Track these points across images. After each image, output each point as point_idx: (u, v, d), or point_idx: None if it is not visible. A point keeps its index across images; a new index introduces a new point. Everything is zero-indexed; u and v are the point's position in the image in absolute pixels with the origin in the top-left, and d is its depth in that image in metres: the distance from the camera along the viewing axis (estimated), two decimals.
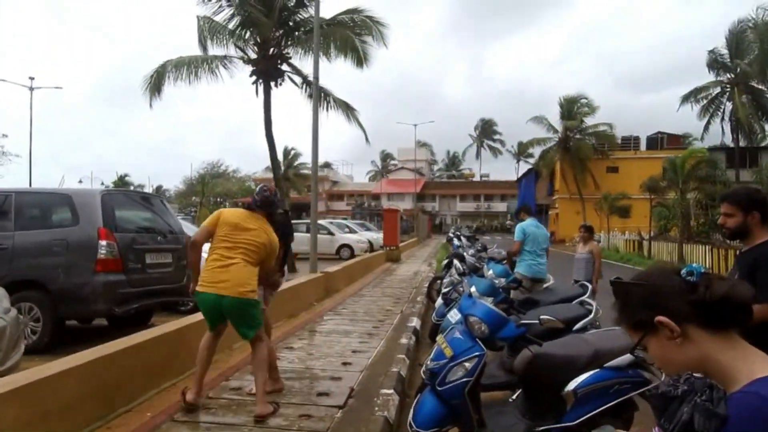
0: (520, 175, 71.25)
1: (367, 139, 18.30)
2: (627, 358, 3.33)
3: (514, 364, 3.54)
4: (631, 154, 38.43)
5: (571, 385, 3.26)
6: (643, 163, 37.33)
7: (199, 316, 4.95)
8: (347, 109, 17.06)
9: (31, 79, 31.36)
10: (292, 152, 55.97)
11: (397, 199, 61.83)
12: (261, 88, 15.41)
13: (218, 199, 67.65)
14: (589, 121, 37.53)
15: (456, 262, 6.56)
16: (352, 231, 23.31)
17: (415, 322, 7.14)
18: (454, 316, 4.72)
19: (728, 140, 35.87)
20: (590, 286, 5.87)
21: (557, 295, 5.68)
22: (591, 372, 3.30)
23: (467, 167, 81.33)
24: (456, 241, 12.29)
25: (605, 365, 3.33)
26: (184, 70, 14.87)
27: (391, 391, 4.14)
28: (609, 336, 3.63)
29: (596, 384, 3.27)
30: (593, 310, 4.58)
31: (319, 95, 11.17)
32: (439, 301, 7.64)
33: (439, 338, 3.47)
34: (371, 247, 22.03)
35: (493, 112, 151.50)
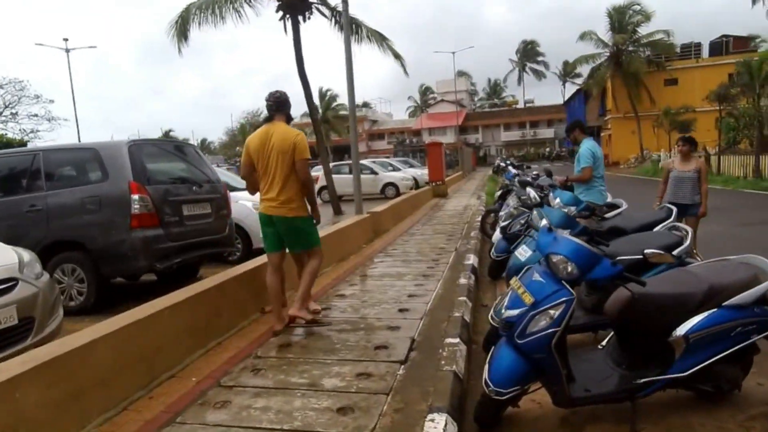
0: (566, 97, 67.58)
1: (405, 69, 17.32)
2: (754, 293, 2.70)
3: (605, 306, 2.98)
4: (692, 63, 35.24)
5: (682, 329, 2.68)
6: (705, 72, 34.24)
7: (239, 269, 4.60)
8: (381, 40, 16.03)
9: (65, 40, 31.43)
10: (328, 94, 54.93)
11: (438, 134, 60.18)
12: (289, 24, 14.57)
13: None
14: (642, 30, 34.39)
15: (530, 190, 5.82)
16: (395, 169, 22.68)
17: (472, 260, 6.62)
18: (523, 253, 4.16)
19: None
20: (674, 209, 5.12)
21: (636, 221, 4.97)
22: (706, 312, 2.69)
23: (510, 94, 77.81)
24: (512, 170, 11.45)
25: (724, 304, 2.71)
26: (208, 12, 14.16)
27: (457, 340, 3.68)
28: (723, 269, 2.97)
29: (714, 327, 2.67)
30: (687, 236, 3.90)
31: (350, 24, 10.28)
32: (497, 235, 7.05)
33: (514, 282, 2.92)
34: (416, 184, 21.42)
35: (535, 33, 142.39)
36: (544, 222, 3.87)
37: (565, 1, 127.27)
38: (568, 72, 71.07)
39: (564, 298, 2.63)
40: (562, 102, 65.84)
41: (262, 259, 4.92)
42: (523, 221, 6.13)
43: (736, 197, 13.51)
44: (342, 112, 53.23)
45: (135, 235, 5.13)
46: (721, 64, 34.12)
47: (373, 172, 20.19)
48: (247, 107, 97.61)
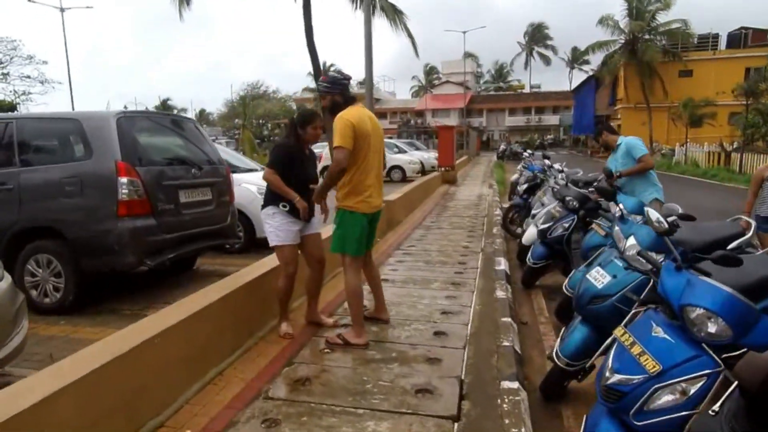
0: (572, 84, 66.32)
1: (416, 49, 16.38)
2: None
3: (736, 371, 2.26)
4: (708, 55, 34.16)
5: None
6: (722, 64, 33.24)
7: (247, 274, 3.85)
8: (395, 14, 15.06)
9: None
10: (332, 69, 53.48)
11: (442, 115, 59.04)
12: None
13: (260, 121, 66.73)
14: (660, 18, 33.20)
15: (617, 207, 4.17)
16: (401, 151, 21.80)
17: (503, 265, 5.90)
18: (600, 278, 3.36)
19: None
20: (753, 222, 4.36)
21: (705, 235, 4.20)
22: None
23: (516, 78, 76.30)
24: (536, 164, 10.52)
25: None
26: None
27: (516, 384, 2.97)
28: None
29: None
30: (751, 227, 3.28)
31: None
32: (528, 235, 6.33)
33: (624, 334, 2.19)
34: (423, 167, 20.59)
35: (544, 16, 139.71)
36: (630, 242, 3.12)
37: None
38: (576, 58, 69.69)
39: (707, 370, 1.90)
40: (568, 88, 64.63)
41: (271, 261, 4.18)
42: (567, 225, 5.41)
43: None
44: None
45: (122, 225, 4.34)
46: (739, 57, 33.15)
47: None
48: (247, 79, 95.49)
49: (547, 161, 8.26)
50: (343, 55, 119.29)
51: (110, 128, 4.45)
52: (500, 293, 4.78)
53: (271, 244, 3.77)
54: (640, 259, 2.88)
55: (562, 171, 8.14)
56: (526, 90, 70.55)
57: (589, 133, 45.68)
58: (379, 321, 4.00)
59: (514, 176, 14.82)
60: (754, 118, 19.97)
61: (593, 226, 4.54)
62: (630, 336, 2.14)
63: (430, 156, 22.63)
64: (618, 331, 2.24)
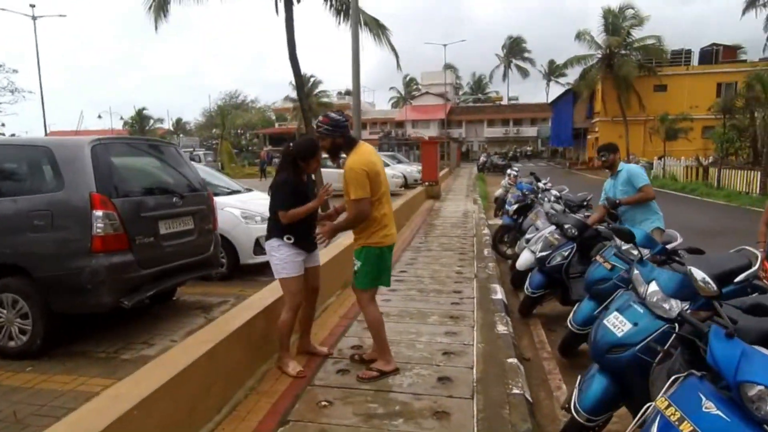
0: (549, 96, 67.37)
1: (398, 63, 16.22)
2: None
3: None
4: (682, 70, 34.98)
5: None
6: (695, 79, 34.08)
7: (236, 318, 3.54)
8: (377, 28, 14.89)
9: (32, 6, 29.19)
10: (312, 80, 53.24)
11: (422, 126, 59.25)
12: (281, 4, 13.30)
13: (239, 131, 66.00)
14: (635, 34, 33.90)
15: (637, 250, 3.53)
16: (384, 165, 21.57)
17: (499, 293, 5.70)
18: (619, 325, 3.12)
19: None
20: (759, 254, 4.23)
21: (711, 268, 4.05)
22: None
23: (494, 90, 77.23)
24: (524, 182, 10.40)
25: None
26: None
27: None
28: None
29: None
30: (756, 259, 3.16)
31: (357, 8, 9.14)
32: (525, 258, 6.18)
33: (668, 407, 1.96)
34: (405, 181, 20.42)
35: (522, 30, 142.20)
36: (651, 287, 2.92)
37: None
38: (552, 71, 70.93)
39: None
40: (545, 100, 65.60)
41: (258, 302, 3.90)
42: (565, 253, 5.24)
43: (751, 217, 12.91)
44: (324, 99, 51.77)
45: (96, 262, 3.99)
46: (711, 73, 34.03)
47: None
48: (225, 87, 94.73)
49: (541, 183, 8.13)
50: (325, 64, 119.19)
51: (84, 157, 4.12)
52: (501, 328, 4.56)
53: (278, 277, 3.61)
54: (664, 306, 2.78)
55: (549, 190, 8.05)
56: (504, 102, 71.40)
57: (567, 146, 46.37)
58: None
59: (499, 191, 14.77)
60: (729, 133, 20.39)
61: (597, 258, 4.37)
62: (677, 410, 1.92)
63: (412, 169, 22.50)
64: (661, 403, 2.02)
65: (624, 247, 4.13)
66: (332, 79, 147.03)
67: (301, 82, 13.92)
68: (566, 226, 5.31)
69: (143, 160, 5.05)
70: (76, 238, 4.01)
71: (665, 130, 23.33)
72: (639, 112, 33.81)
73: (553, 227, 6.27)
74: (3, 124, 31.22)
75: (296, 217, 3.50)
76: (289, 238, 3.54)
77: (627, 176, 5.17)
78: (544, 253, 5.34)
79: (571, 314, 4.33)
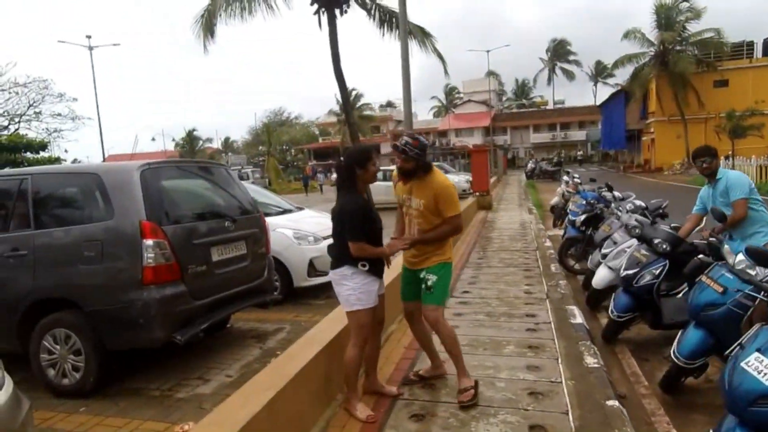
0: (597, 97, 65.18)
1: (446, 69, 15.83)
2: None
3: None
4: (744, 63, 32.89)
5: None
6: (760, 72, 32.00)
7: (301, 353, 3.17)
8: (423, 36, 14.57)
9: (88, 37, 30.65)
10: (354, 93, 53.64)
11: (465, 135, 58.52)
12: (324, 19, 13.19)
13: (284, 147, 67.23)
14: (691, 28, 32.19)
15: (732, 256, 3.58)
16: None
17: (579, 317, 5.12)
18: (762, 368, 2.63)
19: None
20: None
21: None
22: None
23: (538, 94, 75.53)
24: (586, 189, 9.69)
25: None
26: (236, 4, 12.88)
27: None
28: None
29: None
30: None
31: (405, 18, 8.78)
32: (602, 275, 5.71)
33: None
34: None
35: (566, 31, 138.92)
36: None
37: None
38: (599, 72, 68.71)
39: None
40: (593, 102, 63.50)
41: (321, 334, 3.53)
42: (656, 271, 4.63)
43: None
44: (367, 112, 51.97)
45: (148, 295, 3.75)
46: None
47: None
48: (270, 106, 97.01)
49: (615, 193, 7.47)
50: (365, 75, 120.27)
51: (133, 183, 3.90)
52: (590, 360, 4.01)
53: (350, 309, 3.20)
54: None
55: (625, 199, 7.38)
56: (550, 106, 69.60)
57: (620, 148, 44.46)
58: (439, 377, 3.75)
59: (555, 199, 14.03)
60: None
61: (704, 279, 3.77)
62: None
63: (460, 179, 21.90)
64: None
65: (741, 266, 3.54)
66: (373, 91, 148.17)
67: (346, 95, 13.74)
68: (656, 241, 4.71)
69: (193, 183, 4.83)
70: (127, 269, 3.79)
71: (732, 128, 21.72)
72: (698, 110, 32.00)
73: (634, 241, 5.68)
74: (66, 150, 32.84)
75: (367, 254, 3.15)
76: (363, 265, 3.15)
77: (725, 186, 4.49)
78: (630, 272, 4.75)
79: (675, 345, 3.75)
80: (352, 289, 3.12)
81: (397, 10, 13.92)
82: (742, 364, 2.51)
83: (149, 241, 3.77)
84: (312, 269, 6.37)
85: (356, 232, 3.10)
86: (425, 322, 3.61)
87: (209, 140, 65.04)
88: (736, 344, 2.71)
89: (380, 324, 3.56)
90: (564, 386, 3.55)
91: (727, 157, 22.55)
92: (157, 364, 4.53)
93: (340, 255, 3.19)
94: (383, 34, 13.89)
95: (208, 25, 12.94)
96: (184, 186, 4.69)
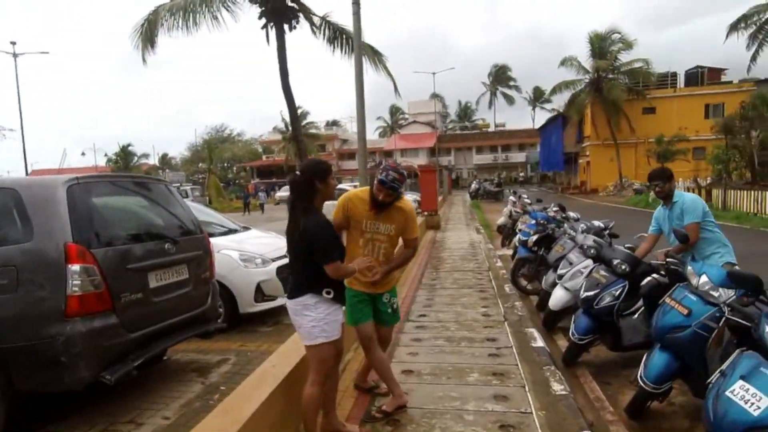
0: (536, 122, 68.09)
1: (396, 88, 15.86)
2: None
3: None
4: (669, 92, 35.34)
5: None
6: (683, 101, 34.42)
7: (251, 391, 2.81)
8: (374, 54, 14.54)
9: (13, 44, 28.72)
10: (299, 111, 53.17)
11: (411, 155, 59.20)
12: (273, 34, 12.89)
13: (226, 164, 65.45)
14: (622, 58, 34.32)
15: (696, 278, 3.56)
16: None
17: (539, 341, 5.01)
18: (754, 401, 2.52)
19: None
20: None
21: None
22: None
23: (480, 117, 77.97)
24: (535, 209, 9.79)
25: None
26: (180, 15, 12.34)
27: None
28: None
29: None
30: None
31: (360, 35, 8.63)
32: (558, 296, 5.70)
33: None
34: None
35: (507, 57, 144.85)
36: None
37: (533, 27, 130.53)
38: (537, 97, 71.89)
39: None
40: (531, 126, 66.20)
41: (274, 370, 3.18)
42: (616, 293, 4.60)
43: None
44: (312, 131, 51.58)
45: (72, 329, 3.26)
46: (698, 95, 34.38)
47: None
48: (211, 122, 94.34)
49: (570, 213, 7.52)
50: (308, 94, 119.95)
51: (58, 199, 3.43)
52: (557, 386, 3.87)
53: (312, 342, 2.85)
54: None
55: (579, 220, 7.44)
56: (491, 128, 71.91)
57: (558, 170, 46.38)
58: (402, 408, 3.53)
59: (501, 219, 14.22)
60: (726, 153, 20.19)
61: (668, 301, 3.72)
62: None
63: (407, 199, 21.87)
64: None
65: (705, 288, 3.52)
66: (317, 109, 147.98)
67: (295, 112, 13.43)
68: (616, 262, 4.68)
69: (129, 201, 4.35)
70: (47, 298, 3.28)
71: (662, 152, 23.09)
72: (629, 135, 33.93)
73: (589, 261, 5.67)
74: None
75: (342, 273, 2.88)
76: (328, 292, 2.84)
77: (681, 210, 4.52)
78: (590, 293, 4.69)
79: (641, 369, 3.67)
80: (316, 320, 2.80)
81: (347, 28, 13.92)
82: (727, 393, 2.41)
83: (75, 266, 3.29)
84: (259, 294, 5.95)
85: (331, 253, 2.81)
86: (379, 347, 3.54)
87: (145, 156, 62.19)
88: (717, 372, 2.62)
89: (339, 356, 3.25)
90: (535, 417, 3.37)
91: None
92: (80, 406, 3.98)
93: (300, 282, 2.86)
94: (333, 51, 13.74)
95: (148, 35, 12.31)
96: (118, 204, 4.21)
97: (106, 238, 3.63)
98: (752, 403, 2.28)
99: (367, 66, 14.19)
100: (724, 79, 36.53)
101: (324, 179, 2.90)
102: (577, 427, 3.23)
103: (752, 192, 15.63)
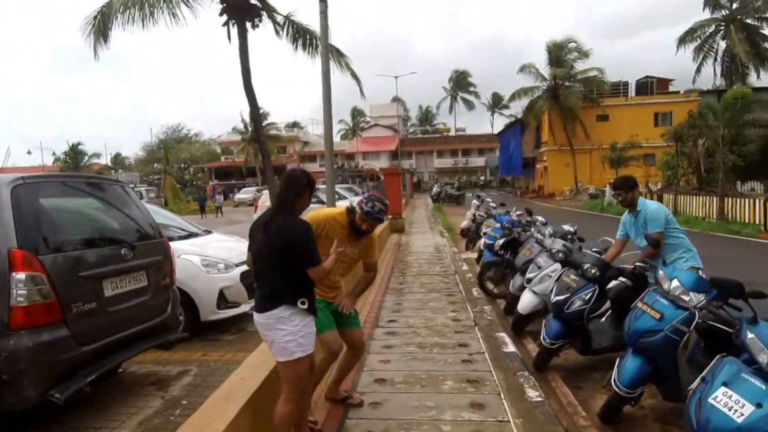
0: (494, 127, 69.41)
1: (361, 90, 15.75)
2: None
3: None
4: (621, 101, 36.65)
5: None
6: (633, 109, 35.75)
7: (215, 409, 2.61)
8: (339, 55, 14.38)
9: None
10: (260, 111, 52.28)
11: (372, 158, 59.20)
12: (234, 32, 12.52)
13: (182, 165, 63.57)
14: (578, 66, 35.42)
15: (668, 283, 3.57)
16: (341, 197, 20.80)
17: (510, 345, 4.98)
18: (737, 407, 2.51)
19: (715, 83, 34.63)
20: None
21: None
22: None
23: (441, 121, 78.81)
24: (499, 212, 9.88)
25: None
26: (135, 9, 11.79)
27: None
28: None
29: None
30: None
31: (327, 34, 8.45)
32: (527, 300, 5.69)
33: None
34: None
35: (466, 64, 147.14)
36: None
37: (492, 35, 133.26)
38: (496, 103, 73.36)
39: None
40: (491, 131, 67.41)
41: (242, 384, 2.98)
42: (587, 297, 4.61)
43: (724, 245, 12.95)
44: (273, 132, 50.73)
45: (17, 343, 2.97)
46: (648, 104, 35.82)
47: (320, 201, 18.12)
48: (167, 121, 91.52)
49: (538, 217, 7.55)
50: (268, 96, 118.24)
51: (1, 202, 3.12)
52: (532, 393, 3.83)
53: (288, 358, 2.66)
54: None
55: (547, 224, 7.47)
56: (452, 133, 72.78)
57: (517, 175, 47.33)
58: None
59: (465, 222, 14.31)
60: (673, 159, 21.09)
61: (639, 305, 3.74)
62: None
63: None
64: None
65: (676, 292, 3.55)
66: (278, 111, 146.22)
67: (257, 112, 13.10)
68: (586, 266, 4.70)
69: (82, 203, 4.04)
70: None
71: (615, 158, 23.88)
72: (585, 141, 34.97)
73: (558, 265, 5.70)
74: None
75: (325, 272, 2.76)
76: (303, 302, 2.66)
77: (644, 219, 4.57)
78: (560, 297, 4.69)
79: (614, 374, 3.67)
80: (292, 333, 2.62)
81: (311, 28, 13.70)
82: (710, 400, 2.39)
83: (21, 275, 3.00)
84: (222, 300, 5.68)
85: (315, 256, 2.67)
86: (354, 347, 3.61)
87: (97, 155, 59.46)
88: (698, 378, 2.61)
89: (312, 369, 3.08)
90: (513, 426, 3.30)
91: (611, 185, 24.70)
92: (26, 426, 3.65)
93: (273, 293, 2.67)
94: (296, 50, 13.49)
95: (101, 28, 11.72)
96: (69, 206, 3.90)
97: (55, 244, 3.34)
98: (735, 410, 2.27)
99: (333, 67, 14.05)
100: (671, 89, 38.24)
101: (311, 192, 2.83)
102: None
103: (700, 197, 16.34)
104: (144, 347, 3.93)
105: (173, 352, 5.11)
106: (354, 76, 14.23)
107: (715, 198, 15.44)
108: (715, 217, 15.19)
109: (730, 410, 2.29)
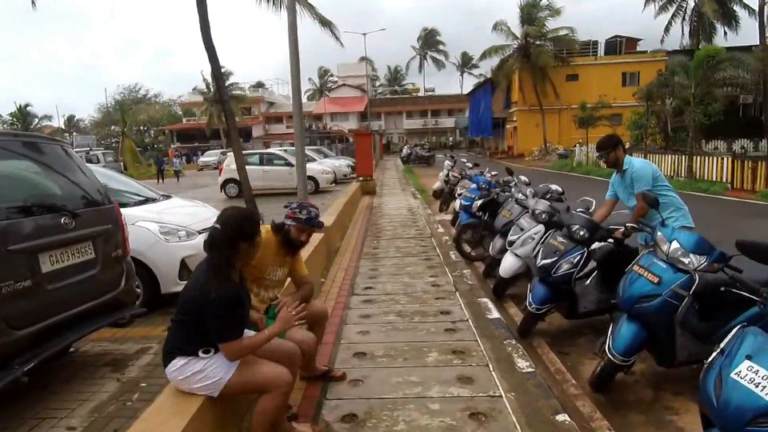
0: (464, 87, 68.75)
1: (338, 37, 15.14)
2: None
3: None
4: (590, 60, 36.55)
5: None
6: (602, 69, 35.72)
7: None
8: (309, 7, 13.59)
9: None
10: (222, 70, 50.08)
11: (341, 119, 58.04)
12: None
13: (142, 127, 61.00)
14: (549, 25, 34.95)
15: (666, 244, 3.37)
16: (310, 159, 20.19)
17: (494, 311, 4.75)
18: (763, 383, 2.28)
19: (682, 43, 34.77)
20: None
21: None
22: None
23: (410, 82, 77.55)
24: (473, 173, 9.60)
25: None
26: None
27: None
28: None
29: None
30: None
31: None
32: (509, 263, 5.48)
33: None
34: (335, 177, 19.20)
35: (436, 22, 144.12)
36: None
37: None
38: (465, 62, 72.47)
39: None
40: (460, 91, 66.77)
41: None
42: (575, 260, 4.38)
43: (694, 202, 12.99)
44: (236, 92, 48.86)
45: None
46: (616, 63, 35.82)
47: (288, 164, 17.54)
48: (124, 81, 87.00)
49: (523, 177, 7.24)
50: (236, 54, 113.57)
51: None
52: (522, 363, 3.61)
53: (221, 386, 2.38)
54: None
55: (530, 184, 7.18)
56: (421, 93, 71.78)
57: (487, 135, 47.19)
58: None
59: (437, 184, 14.03)
60: (642, 119, 21.18)
61: (636, 269, 3.52)
62: None
63: (341, 164, 21.33)
64: None
65: (676, 254, 3.32)
66: (242, 71, 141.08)
67: (218, 68, 12.20)
68: (574, 228, 4.46)
69: (13, 166, 3.49)
70: None
71: (585, 118, 23.87)
72: (554, 101, 34.90)
73: (541, 227, 5.47)
74: None
75: (250, 350, 2.38)
76: (207, 351, 2.34)
77: (631, 178, 4.31)
78: (548, 261, 4.45)
79: (609, 341, 3.47)
80: (202, 372, 2.32)
81: None
82: (733, 375, 2.15)
83: None
84: (185, 271, 5.23)
85: (228, 332, 2.30)
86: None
87: (48, 118, 56.29)
88: (717, 350, 2.37)
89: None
90: (506, 401, 3.06)
91: (581, 145, 24.76)
92: None
93: (171, 344, 2.40)
94: (259, 2, 12.60)
95: None
96: (2, 169, 3.36)
97: None
98: (763, 387, 2.04)
99: (301, 16, 13.25)
100: (639, 48, 38.27)
101: (251, 240, 2.42)
102: (553, 411, 2.96)
103: (668, 156, 16.45)
104: (94, 327, 3.50)
105: (131, 329, 4.71)
106: (324, 22, 13.45)
107: (683, 157, 15.57)
108: (683, 175, 15.34)
109: (756, 386, 2.05)
